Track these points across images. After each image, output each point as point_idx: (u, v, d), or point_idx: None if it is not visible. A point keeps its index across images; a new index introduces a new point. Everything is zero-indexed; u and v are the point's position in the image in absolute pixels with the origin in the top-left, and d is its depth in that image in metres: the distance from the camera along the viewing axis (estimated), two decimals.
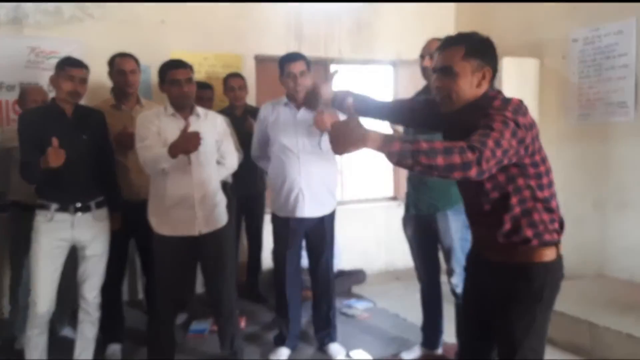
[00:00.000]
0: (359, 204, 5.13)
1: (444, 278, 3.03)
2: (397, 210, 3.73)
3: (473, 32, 1.77)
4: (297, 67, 2.94)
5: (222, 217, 2.84)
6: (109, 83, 3.26)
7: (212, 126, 2.78)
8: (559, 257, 1.78)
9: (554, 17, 4.29)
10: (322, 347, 3.25)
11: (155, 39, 4.05)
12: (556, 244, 1.76)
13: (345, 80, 4.81)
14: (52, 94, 2.88)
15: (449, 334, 3.03)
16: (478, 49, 1.72)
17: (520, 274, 1.74)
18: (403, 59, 4.95)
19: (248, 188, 3.96)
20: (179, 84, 2.63)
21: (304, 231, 3.12)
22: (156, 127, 2.66)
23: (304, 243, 3.20)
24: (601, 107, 3.98)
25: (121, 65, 3.14)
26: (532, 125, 1.65)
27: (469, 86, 1.71)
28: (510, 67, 4.22)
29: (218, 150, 2.82)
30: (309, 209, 3.02)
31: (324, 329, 3.24)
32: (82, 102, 2.82)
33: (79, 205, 2.67)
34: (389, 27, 4.93)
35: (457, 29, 5.03)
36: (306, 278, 3.35)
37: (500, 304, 1.78)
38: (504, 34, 4.40)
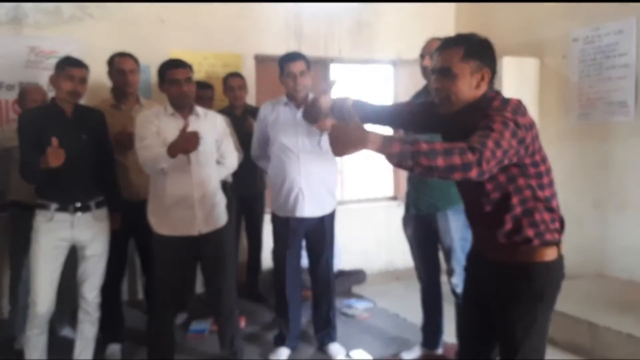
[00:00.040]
0: (359, 203, 5.13)
1: (444, 278, 3.03)
2: (397, 210, 3.73)
3: (472, 34, 1.77)
4: (297, 66, 2.93)
5: (221, 216, 2.84)
6: (108, 83, 3.25)
7: (211, 126, 2.78)
8: (560, 257, 1.78)
9: (554, 17, 4.28)
10: (322, 347, 3.25)
11: (155, 38, 4.04)
12: (557, 243, 1.77)
13: (345, 80, 4.81)
14: (51, 94, 2.87)
15: (449, 334, 3.02)
16: (477, 50, 1.71)
17: (522, 273, 1.74)
18: (403, 58, 4.94)
19: (248, 188, 3.96)
20: (178, 84, 2.63)
21: (304, 231, 3.12)
22: (156, 126, 2.66)
23: (304, 243, 3.20)
24: (601, 107, 3.98)
25: (121, 65, 3.14)
26: (531, 125, 1.65)
27: (468, 87, 1.71)
28: (510, 67, 4.22)
29: (218, 150, 2.82)
30: (309, 208, 3.02)
31: (324, 329, 3.24)
32: (82, 101, 2.82)
33: (78, 205, 2.67)
34: (389, 26, 4.92)
35: (457, 28, 5.03)
36: (306, 278, 3.35)
37: (501, 304, 1.78)
38: (503, 34, 4.41)
